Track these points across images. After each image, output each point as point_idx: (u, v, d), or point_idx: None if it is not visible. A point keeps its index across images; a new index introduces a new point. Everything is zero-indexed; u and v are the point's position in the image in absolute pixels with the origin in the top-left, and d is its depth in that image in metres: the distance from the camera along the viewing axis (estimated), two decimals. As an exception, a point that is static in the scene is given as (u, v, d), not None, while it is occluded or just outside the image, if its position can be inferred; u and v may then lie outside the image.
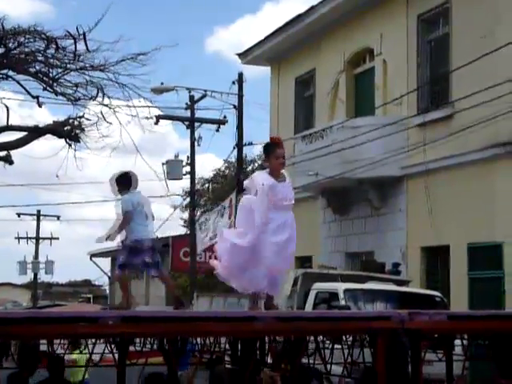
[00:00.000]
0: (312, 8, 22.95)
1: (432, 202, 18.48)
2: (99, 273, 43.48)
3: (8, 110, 18.10)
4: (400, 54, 20.22)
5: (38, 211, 48.24)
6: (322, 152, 20.32)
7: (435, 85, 19.79)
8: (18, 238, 48.31)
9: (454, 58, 18.40)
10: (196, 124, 28.34)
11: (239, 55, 27.26)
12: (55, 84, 17.90)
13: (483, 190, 17.18)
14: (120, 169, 9.12)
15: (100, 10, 31.35)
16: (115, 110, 18.53)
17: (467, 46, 17.78)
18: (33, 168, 65.22)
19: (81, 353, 10.01)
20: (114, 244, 9.29)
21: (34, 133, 18.71)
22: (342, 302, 13.66)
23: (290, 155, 7.31)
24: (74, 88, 18.08)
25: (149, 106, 21.44)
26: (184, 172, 28.89)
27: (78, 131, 18.63)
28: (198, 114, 28.37)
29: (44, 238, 49.00)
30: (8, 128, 18.46)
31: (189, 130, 28.40)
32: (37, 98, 18.15)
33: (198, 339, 8.79)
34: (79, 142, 18.65)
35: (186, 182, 30.64)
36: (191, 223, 28.80)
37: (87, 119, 18.65)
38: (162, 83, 26.10)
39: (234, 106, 26.83)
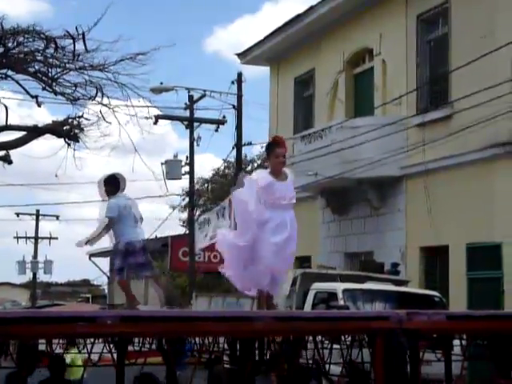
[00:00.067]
0: (311, 8, 22.95)
1: (431, 202, 18.48)
2: (98, 273, 43.40)
3: (7, 110, 18.12)
4: (399, 54, 20.22)
5: (37, 211, 48.23)
6: (321, 152, 20.32)
7: (434, 85, 19.79)
8: (17, 238, 48.29)
9: (453, 58, 18.40)
10: (195, 124, 28.34)
11: (238, 55, 27.25)
12: (54, 84, 17.91)
13: (482, 190, 17.19)
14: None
15: (99, 10, 31.30)
16: (114, 109, 18.55)
17: (466, 46, 17.78)
18: (32, 168, 65.23)
19: (79, 352, 10.00)
20: (111, 244, 9.33)
21: (33, 132, 18.72)
22: (341, 302, 13.65)
23: (289, 155, 7.32)
24: (73, 88, 18.10)
25: (148, 106, 21.47)
26: (183, 172, 28.88)
27: (77, 131, 18.64)
28: (197, 114, 28.39)
29: (43, 238, 48.97)
30: (7, 128, 18.46)
31: (188, 130, 28.41)
32: (36, 97, 18.16)
33: (197, 339, 8.79)
34: (78, 141, 18.67)
35: (185, 182, 30.64)
36: (190, 223, 28.79)
37: (86, 119, 18.68)
38: (161, 83, 26.10)
39: (234, 106, 26.82)
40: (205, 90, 27.51)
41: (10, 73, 17.89)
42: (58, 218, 49.09)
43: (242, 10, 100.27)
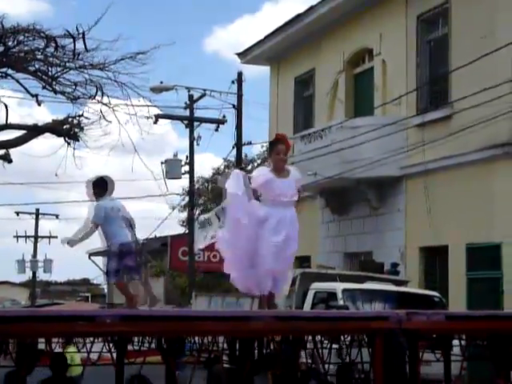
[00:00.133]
0: (311, 8, 22.95)
1: (431, 202, 18.49)
2: (98, 271, 43.38)
3: (7, 109, 18.11)
4: (399, 54, 20.22)
5: (37, 210, 48.23)
6: (321, 152, 20.32)
7: (434, 85, 19.80)
8: (17, 237, 48.29)
9: (453, 59, 18.40)
10: (195, 123, 28.33)
11: (238, 55, 27.26)
12: (54, 82, 17.91)
13: (482, 190, 17.19)
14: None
15: (99, 9, 31.31)
16: (114, 108, 18.54)
17: (467, 46, 17.78)
18: (32, 167, 65.20)
19: (79, 351, 10.00)
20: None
21: (33, 131, 18.72)
22: (341, 302, 13.66)
23: (289, 155, 7.31)
24: (74, 87, 18.09)
25: (148, 106, 21.45)
26: (183, 171, 28.88)
27: (77, 130, 18.64)
28: (197, 114, 28.39)
29: (43, 237, 48.97)
30: (7, 126, 18.46)
31: (188, 130, 28.40)
32: (36, 96, 18.15)
33: (196, 338, 8.78)
34: (78, 140, 18.67)
35: (184, 182, 30.64)
36: (190, 222, 28.79)
37: (86, 118, 18.68)
38: (161, 82, 26.10)
39: (234, 106, 26.82)
40: (205, 90, 27.53)
41: (10, 71, 17.89)
42: (57, 216, 49.10)
43: (241, 10, 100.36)
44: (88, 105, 18.77)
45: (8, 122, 18.28)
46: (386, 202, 20.46)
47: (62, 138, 18.72)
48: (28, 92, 18.14)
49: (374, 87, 21.30)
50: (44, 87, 17.97)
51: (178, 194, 33.56)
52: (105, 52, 17.59)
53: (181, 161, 28.92)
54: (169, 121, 29.54)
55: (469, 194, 17.52)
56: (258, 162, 39.79)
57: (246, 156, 37.78)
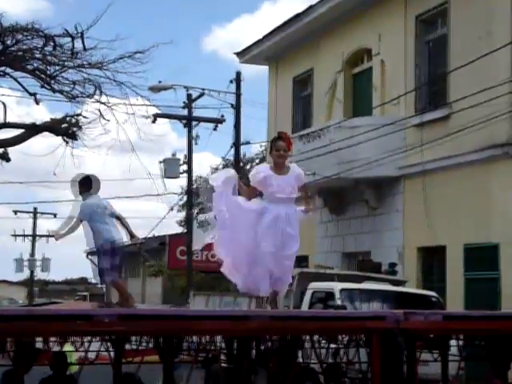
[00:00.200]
0: (310, 7, 22.95)
1: (429, 202, 18.50)
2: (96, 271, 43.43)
3: (5, 107, 18.13)
4: (398, 55, 20.23)
5: (35, 209, 48.25)
6: (319, 152, 20.31)
7: (433, 85, 19.81)
8: (15, 236, 48.30)
9: (452, 59, 18.41)
10: (194, 123, 28.32)
11: (237, 54, 27.25)
12: (53, 81, 17.92)
13: (480, 190, 17.20)
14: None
15: (98, 8, 31.32)
16: (112, 108, 18.55)
17: (465, 46, 17.79)
18: (30, 165, 65.32)
19: (76, 350, 9.98)
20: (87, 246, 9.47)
21: (32, 130, 18.72)
22: (339, 302, 13.66)
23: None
24: (72, 85, 18.11)
25: (146, 105, 21.47)
26: (181, 170, 28.88)
27: (75, 129, 18.64)
28: (196, 113, 28.38)
29: (40, 236, 48.99)
30: (5, 125, 18.47)
31: (186, 129, 28.40)
32: (34, 95, 18.16)
33: (194, 338, 8.79)
34: (76, 139, 18.67)
35: (183, 181, 30.65)
36: (188, 222, 28.80)
37: (84, 117, 18.68)
38: (159, 82, 26.10)
39: (232, 105, 26.81)
40: (203, 89, 27.52)
41: (8, 70, 17.90)
42: (55, 215, 49.01)
43: (240, 10, 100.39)
44: (86, 104, 18.79)
45: (6, 120, 18.30)
46: (384, 202, 20.46)
47: (60, 137, 18.72)
48: (26, 91, 18.17)
49: (373, 87, 21.30)
50: (42, 86, 17.99)
51: (176, 194, 33.58)
52: (103, 51, 17.63)
53: (179, 160, 28.92)
54: (167, 120, 29.55)
55: (467, 194, 17.52)
56: (257, 161, 39.81)
57: (244, 155, 37.80)
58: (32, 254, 49.28)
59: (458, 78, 17.82)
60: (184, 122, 28.31)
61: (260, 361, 8.83)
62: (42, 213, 48.88)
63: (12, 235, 48.34)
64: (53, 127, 18.66)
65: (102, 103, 18.39)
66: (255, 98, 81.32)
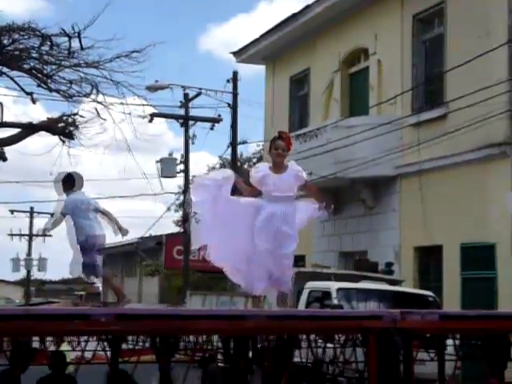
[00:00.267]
0: (307, 7, 22.95)
1: (425, 201, 18.51)
2: (93, 270, 43.35)
3: (2, 107, 18.10)
4: (395, 54, 20.24)
5: (32, 208, 48.20)
6: (316, 151, 20.31)
7: (430, 85, 19.82)
8: (11, 235, 48.24)
9: (448, 59, 18.42)
10: (190, 122, 28.33)
11: (234, 53, 27.25)
12: (49, 81, 17.90)
13: (477, 190, 17.21)
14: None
15: (97, 8, 31.29)
16: (109, 107, 18.54)
17: (462, 46, 17.80)
18: (26, 165, 65.16)
19: (73, 350, 9.96)
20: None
21: (28, 130, 18.69)
22: (335, 301, 13.65)
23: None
24: (69, 85, 18.09)
25: (143, 104, 21.45)
26: (178, 170, 28.88)
27: (72, 128, 18.61)
28: (193, 112, 28.40)
29: (37, 235, 48.90)
30: (2, 124, 18.44)
31: (183, 128, 28.40)
32: (31, 94, 18.14)
33: (191, 337, 8.79)
34: (73, 139, 18.64)
35: (180, 180, 30.65)
36: (185, 221, 28.78)
37: (81, 116, 18.65)
38: (156, 81, 26.10)
39: (229, 105, 26.82)
40: (200, 89, 27.54)
41: (5, 69, 17.89)
42: (52, 215, 48.91)
43: (237, 9, 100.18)
44: (83, 103, 18.78)
45: (3, 120, 18.26)
46: (380, 202, 20.47)
47: (56, 137, 18.69)
48: (23, 90, 18.14)
49: (370, 87, 21.30)
50: (39, 85, 17.97)
51: (173, 193, 33.57)
52: (100, 50, 17.61)
53: (176, 159, 28.93)
54: (164, 120, 29.55)
55: (464, 193, 17.53)
56: (254, 160, 39.80)
57: (241, 155, 37.79)
58: (29, 253, 49.24)
59: (454, 78, 17.83)
60: (181, 121, 28.32)
61: (256, 360, 8.83)
62: (39, 212, 48.83)
63: (8, 234, 48.34)
64: (49, 126, 18.63)
65: (99, 102, 18.38)
66: (252, 97, 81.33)
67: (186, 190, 29.45)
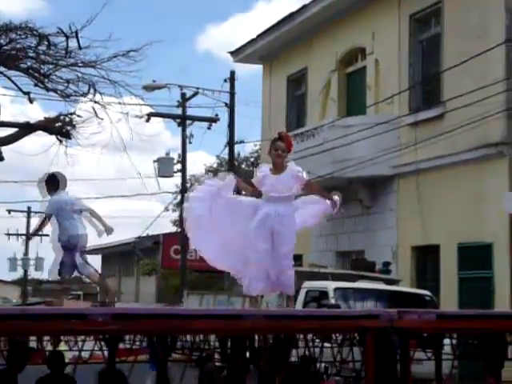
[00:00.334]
0: (304, 7, 22.96)
1: (423, 201, 18.52)
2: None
3: (-1, 106, 18.07)
4: (392, 54, 20.25)
5: (29, 208, 48.14)
6: (313, 151, 20.32)
7: (427, 84, 19.84)
8: (8, 235, 48.21)
9: (445, 58, 18.44)
10: (188, 122, 28.33)
11: (231, 53, 27.26)
12: (46, 80, 17.87)
13: (474, 189, 17.23)
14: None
15: (95, 8, 31.29)
16: (106, 106, 18.52)
17: (459, 45, 17.82)
18: (23, 164, 65.23)
19: (70, 349, 9.97)
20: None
21: (25, 129, 18.66)
22: (332, 301, 13.68)
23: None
24: (66, 84, 18.06)
25: (140, 104, 21.43)
26: (175, 170, 28.89)
27: (69, 128, 18.59)
28: (190, 112, 28.42)
29: (34, 235, 48.82)
30: (-1, 124, 18.42)
31: (180, 128, 28.40)
32: (28, 94, 18.12)
33: (188, 337, 8.79)
34: (70, 138, 18.61)
35: (177, 180, 30.66)
36: (182, 221, 28.75)
37: (78, 116, 18.63)
38: (153, 81, 26.09)
39: (226, 104, 26.82)
40: (197, 88, 27.54)
41: (1, 69, 17.85)
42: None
43: (234, 9, 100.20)
44: (80, 102, 18.76)
45: (0, 119, 18.24)
46: (377, 201, 20.48)
47: (54, 136, 18.67)
48: (20, 89, 18.12)
49: (367, 86, 21.32)
50: (36, 85, 17.94)
51: (170, 193, 33.59)
52: (97, 50, 17.60)
53: (173, 159, 28.94)
54: (161, 119, 29.56)
55: (461, 193, 17.55)
56: (251, 160, 39.82)
57: (238, 154, 37.79)
58: (26, 253, 49.20)
59: (451, 77, 17.85)
60: (178, 121, 28.33)
61: (253, 360, 8.83)
62: (36, 212, 48.66)
63: (5, 234, 48.28)
64: (47, 126, 18.61)
65: (96, 102, 18.37)
66: (249, 97, 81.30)
67: (183, 189, 29.48)
